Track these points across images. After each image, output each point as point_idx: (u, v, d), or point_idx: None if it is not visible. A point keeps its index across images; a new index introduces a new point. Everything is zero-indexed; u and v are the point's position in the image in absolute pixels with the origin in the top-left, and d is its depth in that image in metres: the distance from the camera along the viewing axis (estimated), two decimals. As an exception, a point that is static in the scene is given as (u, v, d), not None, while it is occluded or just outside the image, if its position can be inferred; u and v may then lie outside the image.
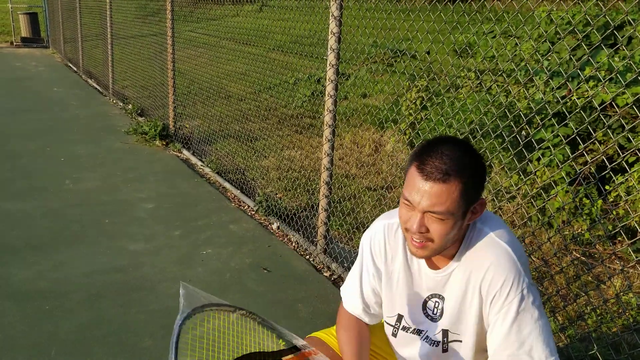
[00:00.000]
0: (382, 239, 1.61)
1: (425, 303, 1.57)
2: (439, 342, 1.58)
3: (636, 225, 2.54)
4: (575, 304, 2.89)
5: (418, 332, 1.61)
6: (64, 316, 2.76)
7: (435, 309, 1.56)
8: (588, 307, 2.85)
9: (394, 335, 1.67)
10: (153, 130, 6.11)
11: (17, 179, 4.76)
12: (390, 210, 1.68)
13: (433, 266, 1.53)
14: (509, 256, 1.42)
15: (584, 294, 2.87)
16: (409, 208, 1.39)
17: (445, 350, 1.59)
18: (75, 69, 12.16)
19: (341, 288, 1.79)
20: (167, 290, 3.06)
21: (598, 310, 2.84)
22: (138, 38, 9.31)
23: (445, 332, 1.56)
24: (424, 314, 1.58)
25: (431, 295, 1.56)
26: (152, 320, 2.76)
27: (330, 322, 2.79)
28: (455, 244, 1.47)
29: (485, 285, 1.43)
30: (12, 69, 11.70)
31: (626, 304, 2.90)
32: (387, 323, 1.68)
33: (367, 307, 1.70)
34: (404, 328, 1.63)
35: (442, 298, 1.54)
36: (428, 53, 4.97)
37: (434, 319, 1.57)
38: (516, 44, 3.92)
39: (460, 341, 1.56)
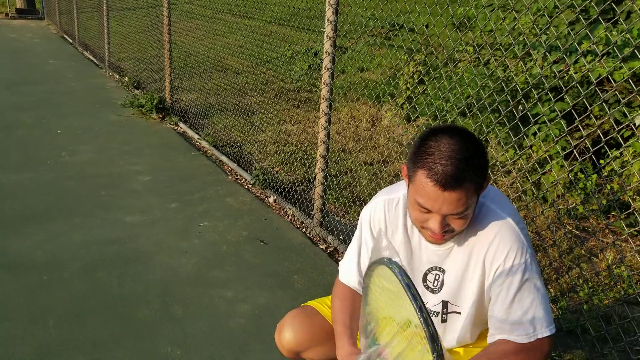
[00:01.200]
0: (382, 214, 1.61)
1: (425, 276, 1.59)
2: (438, 312, 1.60)
3: (629, 199, 2.56)
4: (567, 276, 2.92)
5: None
6: (60, 287, 2.78)
7: (436, 282, 1.58)
8: (580, 280, 2.89)
9: None
10: (149, 103, 6.07)
11: (12, 151, 4.75)
12: (390, 186, 1.67)
13: None
14: (513, 228, 1.45)
15: (576, 267, 2.90)
16: (424, 212, 1.38)
17: (444, 321, 1.61)
18: (70, 41, 12.04)
19: (340, 263, 1.80)
20: (162, 261, 3.08)
21: (590, 283, 2.87)
22: (134, 10, 9.20)
23: (445, 304, 1.58)
24: (424, 286, 1.60)
25: (431, 268, 1.57)
26: (148, 291, 2.78)
27: (325, 293, 2.83)
28: None
29: (490, 256, 1.46)
30: (7, 41, 11.57)
31: (618, 277, 2.93)
32: None
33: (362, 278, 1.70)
34: None
35: (442, 271, 1.55)
36: (427, 27, 4.93)
37: (434, 291, 1.58)
38: (515, 17, 3.88)
39: (459, 313, 1.58)
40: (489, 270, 1.47)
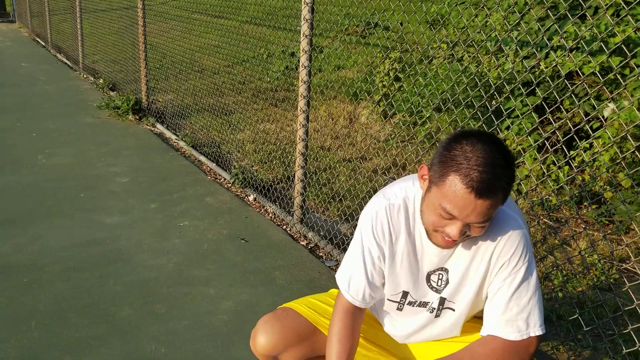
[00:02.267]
0: (386, 221, 1.57)
1: (428, 276, 1.59)
2: (434, 308, 1.63)
3: (601, 190, 2.64)
4: (542, 265, 3.00)
5: (424, 304, 1.63)
6: (43, 288, 2.77)
7: (440, 281, 1.58)
8: (554, 269, 2.97)
9: (400, 309, 1.68)
10: (126, 104, 6.04)
11: (-13, 155, 4.69)
12: (383, 190, 1.64)
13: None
14: (520, 228, 1.47)
15: (550, 256, 2.98)
16: (447, 217, 1.35)
17: (437, 316, 1.64)
18: (43, 43, 11.88)
19: (338, 275, 1.70)
20: (144, 261, 3.08)
21: (564, 271, 2.95)
22: (108, 11, 9.12)
23: (442, 300, 1.60)
24: (428, 286, 1.60)
25: (435, 269, 1.58)
26: (130, 291, 2.79)
27: (306, 289, 2.87)
28: None
29: (496, 254, 1.47)
30: (-23, 44, 11.37)
31: (590, 265, 3.03)
32: (391, 300, 1.68)
33: (372, 288, 1.65)
34: (410, 303, 1.65)
35: (445, 270, 1.57)
36: (401, 24, 5.00)
37: (438, 290, 1.60)
38: (487, 14, 3.96)
39: (454, 310, 1.61)
40: (493, 267, 1.49)
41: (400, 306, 1.67)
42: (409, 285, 1.62)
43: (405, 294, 1.64)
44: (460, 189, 1.28)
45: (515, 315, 1.44)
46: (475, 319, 1.71)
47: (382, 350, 1.86)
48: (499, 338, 1.45)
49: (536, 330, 1.45)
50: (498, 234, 1.47)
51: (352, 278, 1.65)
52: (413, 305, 1.65)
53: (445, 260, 1.55)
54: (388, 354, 1.87)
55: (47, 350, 2.32)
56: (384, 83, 5.14)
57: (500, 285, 1.47)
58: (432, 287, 1.60)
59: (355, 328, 1.66)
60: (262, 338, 1.75)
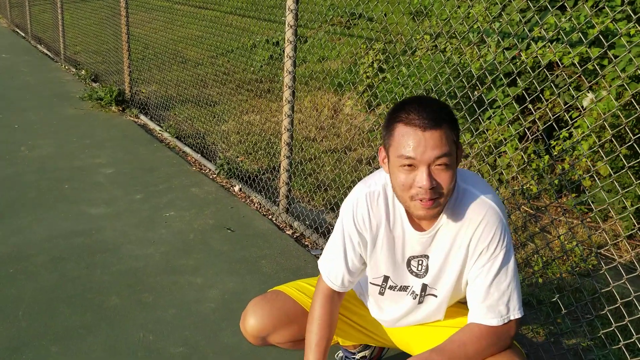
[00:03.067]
0: (366, 208, 1.61)
1: (409, 261, 1.63)
2: (417, 294, 1.67)
3: (580, 179, 2.71)
4: (523, 252, 3.07)
5: (405, 288, 1.68)
6: (28, 279, 2.77)
7: (420, 266, 1.62)
8: (535, 255, 3.04)
9: (381, 293, 1.72)
10: (109, 95, 6.00)
11: (-31, 146, 4.64)
12: (365, 179, 1.67)
13: (418, 228, 1.57)
14: (497, 213, 1.50)
15: (530, 243, 3.05)
16: (410, 169, 1.39)
17: (420, 302, 1.68)
18: (23, 34, 11.71)
19: (320, 261, 1.76)
20: (130, 252, 3.09)
21: (544, 257, 3.03)
22: (89, 1, 9.02)
23: (424, 286, 1.64)
24: (409, 271, 1.64)
25: (415, 255, 1.61)
26: (117, 281, 2.80)
27: (292, 277, 2.91)
28: None
29: (475, 240, 1.51)
30: (-46, 35, 11.17)
31: (570, 251, 3.10)
32: (373, 284, 1.72)
33: (351, 274, 1.69)
34: (390, 287, 1.69)
35: (426, 257, 1.60)
36: (385, 15, 5.02)
37: (418, 276, 1.63)
38: (469, 5, 4.01)
39: (436, 296, 1.65)
40: (472, 254, 1.52)
41: (382, 290, 1.71)
42: (390, 270, 1.66)
43: (386, 278, 1.68)
44: (407, 131, 1.37)
45: (495, 301, 1.49)
46: (459, 304, 1.76)
47: (369, 332, 1.92)
48: (482, 325, 1.49)
49: (516, 313, 1.50)
50: (475, 221, 1.50)
51: (332, 264, 1.70)
52: (394, 290, 1.69)
53: (426, 247, 1.58)
54: (375, 336, 1.93)
55: (35, 339, 2.33)
56: (367, 74, 5.17)
57: (479, 271, 1.51)
58: (412, 272, 1.64)
59: (334, 312, 1.73)
60: (251, 319, 1.80)
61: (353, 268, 1.68)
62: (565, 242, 3.21)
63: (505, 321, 1.49)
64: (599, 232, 3.17)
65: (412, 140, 1.36)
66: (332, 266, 1.70)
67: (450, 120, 1.40)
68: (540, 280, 2.85)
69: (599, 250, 2.79)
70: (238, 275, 2.93)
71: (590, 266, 3.05)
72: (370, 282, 1.74)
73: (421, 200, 1.41)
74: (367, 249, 1.65)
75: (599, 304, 2.68)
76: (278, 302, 1.84)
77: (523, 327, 2.55)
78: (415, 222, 1.56)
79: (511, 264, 1.51)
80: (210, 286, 2.80)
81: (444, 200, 1.42)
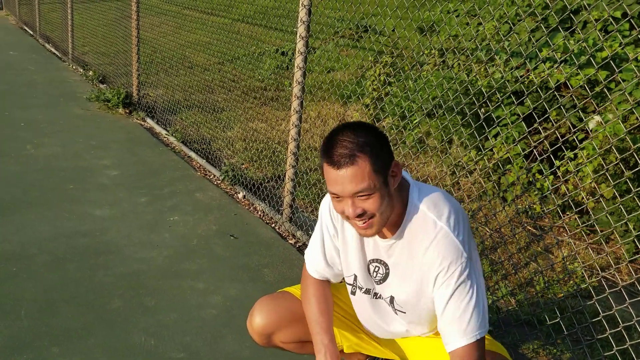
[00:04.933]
0: None
1: (368, 265, 1.70)
2: (389, 304, 1.71)
3: (584, 200, 2.72)
4: (525, 271, 3.08)
5: (368, 291, 1.74)
6: (30, 278, 2.78)
7: (375, 273, 1.69)
8: (537, 275, 3.05)
9: (353, 293, 1.79)
10: (116, 97, 6.02)
11: (-26, 142, 4.66)
12: None
13: (381, 234, 1.62)
14: (447, 234, 1.50)
15: (532, 262, 3.06)
16: (339, 200, 1.48)
17: (396, 313, 1.72)
18: (31, 32, 11.76)
19: (305, 252, 1.88)
20: (134, 254, 3.10)
21: (546, 277, 3.03)
22: (99, 2, 9.08)
23: (392, 299, 1.69)
24: (369, 274, 1.71)
25: (373, 259, 1.68)
26: (119, 283, 2.81)
27: (296, 284, 2.90)
28: (397, 213, 1.55)
29: (426, 264, 1.53)
30: (-37, 30, 11.22)
31: (572, 272, 3.11)
32: (347, 283, 1.80)
33: (330, 265, 1.80)
34: (359, 287, 1.75)
35: (383, 264, 1.66)
36: (394, 30, 5.06)
37: (378, 282, 1.69)
38: (479, 23, 4.04)
39: (405, 313, 1.68)
40: (426, 278, 1.55)
41: (354, 289, 1.77)
42: (358, 269, 1.72)
43: (355, 277, 1.75)
44: (328, 170, 1.46)
45: (449, 325, 1.50)
46: None
47: (373, 342, 1.94)
48: (456, 350, 1.50)
49: (475, 335, 1.49)
50: (425, 243, 1.53)
51: (312, 255, 1.83)
52: (361, 291, 1.75)
53: (384, 254, 1.64)
54: (379, 346, 1.95)
55: (37, 339, 2.33)
56: (374, 87, 5.20)
57: (440, 297, 1.52)
58: (371, 275, 1.71)
59: (327, 294, 1.82)
60: (257, 316, 1.86)
61: (330, 259, 1.79)
62: (568, 263, 3.22)
63: (473, 340, 1.49)
64: (603, 256, 3.18)
65: (332, 178, 1.45)
66: (312, 256, 1.83)
67: (370, 150, 1.44)
68: (541, 299, 2.86)
69: (602, 274, 2.80)
70: (240, 282, 2.93)
71: (591, 287, 3.05)
72: (345, 282, 1.81)
73: (354, 223, 1.51)
74: (339, 242, 1.75)
75: (599, 326, 2.68)
76: (285, 301, 1.90)
77: (523, 346, 2.55)
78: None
79: (468, 282, 1.50)
80: (212, 292, 2.80)
81: (379, 219, 1.49)
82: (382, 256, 1.65)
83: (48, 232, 3.26)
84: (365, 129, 1.48)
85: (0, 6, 16.15)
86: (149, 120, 5.77)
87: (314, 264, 1.82)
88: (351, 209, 1.45)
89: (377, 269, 1.67)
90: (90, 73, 7.52)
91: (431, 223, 1.52)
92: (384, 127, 4.87)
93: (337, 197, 1.48)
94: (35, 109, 5.86)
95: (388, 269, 1.65)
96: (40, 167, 4.26)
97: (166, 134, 5.34)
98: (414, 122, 4.12)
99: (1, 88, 6.65)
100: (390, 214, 1.52)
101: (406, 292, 1.63)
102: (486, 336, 1.77)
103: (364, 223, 1.48)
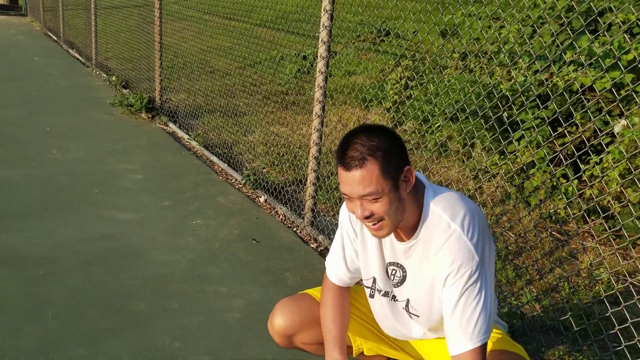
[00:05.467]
0: None
1: (387, 267, 1.70)
2: (405, 308, 1.71)
3: (611, 204, 2.68)
4: (550, 276, 3.04)
5: (386, 294, 1.74)
6: (57, 281, 2.82)
7: (392, 276, 1.69)
8: (562, 280, 3.01)
9: (372, 296, 1.79)
10: (139, 102, 6.10)
11: (0, 147, 4.74)
12: None
13: (399, 237, 1.63)
14: (459, 237, 1.49)
15: (557, 267, 3.02)
16: (350, 201, 1.51)
17: (411, 317, 1.72)
18: (55, 38, 11.96)
19: (326, 259, 1.88)
20: (158, 258, 3.13)
21: (571, 283, 2.99)
22: (121, 9, 9.20)
23: (407, 302, 1.69)
24: (388, 277, 1.72)
25: (391, 262, 1.69)
26: (144, 286, 2.84)
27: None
28: (413, 216, 1.55)
29: (438, 266, 1.53)
30: (-10, 37, 11.45)
31: (597, 278, 3.06)
32: (365, 286, 1.80)
33: (350, 269, 1.81)
34: (378, 290, 1.76)
35: (400, 267, 1.66)
36: (415, 33, 5.05)
37: (395, 285, 1.70)
38: (502, 26, 4.01)
39: (418, 316, 1.69)
40: (437, 279, 1.55)
41: (372, 292, 1.78)
42: (377, 271, 1.72)
43: (374, 280, 1.75)
44: (339, 171, 1.49)
45: (469, 328, 1.48)
46: None
47: (392, 344, 1.94)
48: (461, 354, 1.49)
49: (487, 336, 1.49)
50: (438, 245, 1.52)
51: (333, 260, 1.84)
52: (380, 294, 1.76)
53: (402, 257, 1.64)
54: (398, 348, 1.95)
55: (64, 341, 2.36)
56: (395, 91, 5.19)
57: (448, 298, 1.51)
58: (389, 278, 1.71)
59: (345, 302, 1.83)
60: (278, 317, 1.89)
61: (351, 263, 1.79)
62: (593, 269, 3.18)
63: (478, 344, 1.47)
64: (630, 262, 3.13)
65: (342, 179, 1.48)
66: (333, 263, 1.84)
67: (381, 154, 1.44)
68: (567, 305, 2.82)
69: (630, 280, 2.76)
70: (262, 286, 2.94)
71: (618, 292, 3.01)
72: (364, 285, 1.81)
73: (366, 225, 1.54)
74: (359, 245, 1.75)
75: (627, 333, 2.64)
76: (305, 302, 1.92)
77: (548, 352, 2.52)
78: (397, 232, 1.63)
79: (477, 285, 1.49)
80: (235, 296, 2.82)
81: (388, 222, 1.50)
82: (399, 259, 1.66)
83: (74, 236, 3.30)
84: (381, 132, 1.49)
85: (25, 13, 16.46)
86: (171, 124, 5.83)
87: (335, 268, 1.83)
88: (359, 210, 1.48)
89: (394, 272, 1.68)
90: (114, 78, 7.63)
91: (445, 224, 1.52)
92: (405, 131, 4.86)
93: (347, 197, 1.51)
94: (59, 114, 5.96)
95: (405, 271, 1.66)
96: (66, 172, 4.33)
97: (188, 139, 5.39)
98: (436, 125, 4.11)
99: (27, 93, 6.78)
100: (402, 217, 1.52)
101: (419, 294, 1.63)
102: (505, 336, 1.77)
103: (374, 225, 1.51)
